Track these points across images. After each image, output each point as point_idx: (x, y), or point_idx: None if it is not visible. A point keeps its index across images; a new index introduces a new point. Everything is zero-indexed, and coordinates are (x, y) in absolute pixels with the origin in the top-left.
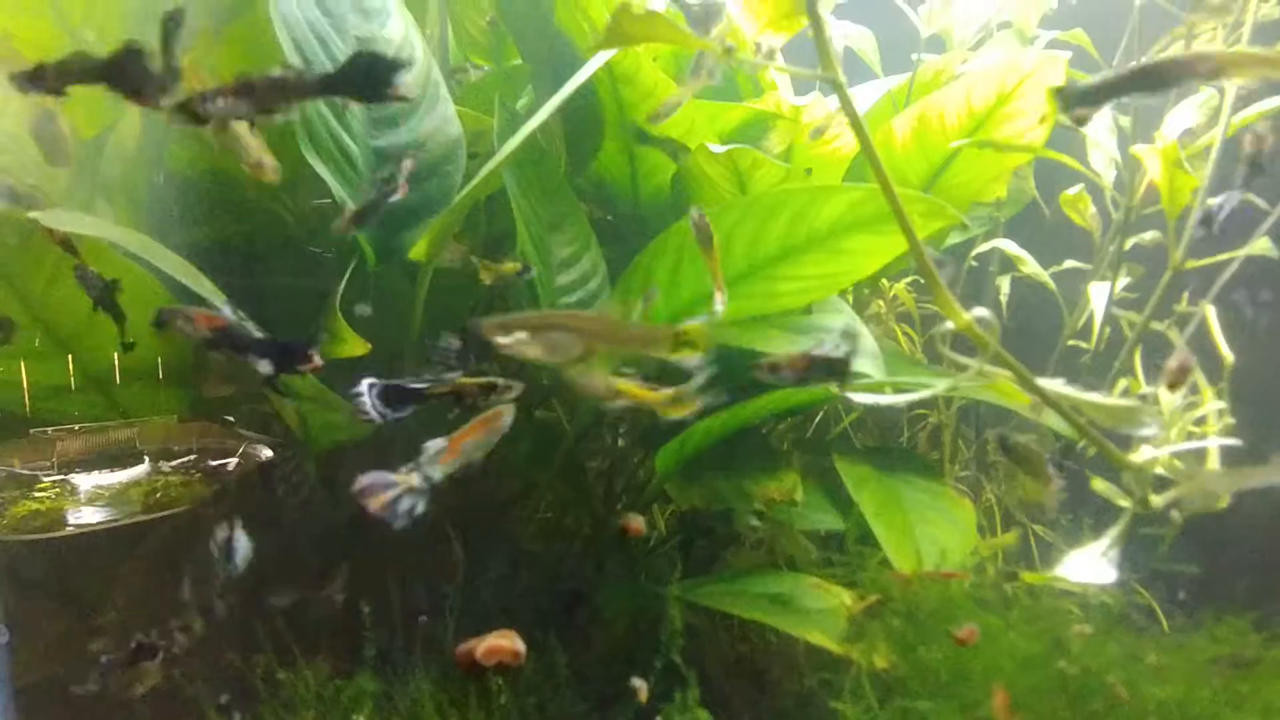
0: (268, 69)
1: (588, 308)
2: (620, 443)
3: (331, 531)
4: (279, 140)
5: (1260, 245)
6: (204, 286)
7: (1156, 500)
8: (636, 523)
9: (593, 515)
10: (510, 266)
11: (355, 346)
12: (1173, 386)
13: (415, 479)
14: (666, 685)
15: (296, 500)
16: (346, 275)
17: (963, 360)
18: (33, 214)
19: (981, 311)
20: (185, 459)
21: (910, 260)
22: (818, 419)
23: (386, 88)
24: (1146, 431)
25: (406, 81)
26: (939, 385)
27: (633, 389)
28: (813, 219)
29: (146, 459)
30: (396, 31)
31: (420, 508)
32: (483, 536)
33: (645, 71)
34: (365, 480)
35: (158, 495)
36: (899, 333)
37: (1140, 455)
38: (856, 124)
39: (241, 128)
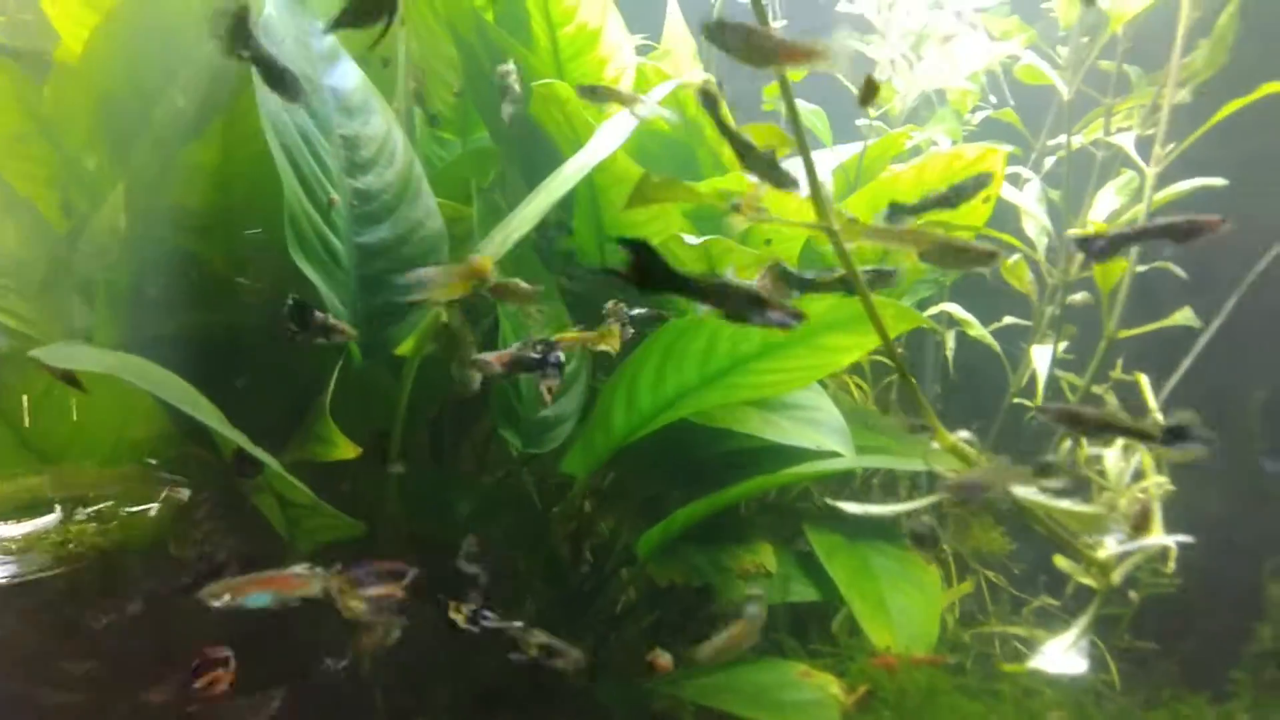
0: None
1: (569, 390)
2: (588, 509)
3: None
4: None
5: (1183, 316)
6: (202, 409)
7: (1116, 578)
8: (665, 659)
9: (566, 593)
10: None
11: (345, 450)
12: (1137, 528)
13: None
14: None
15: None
16: (335, 375)
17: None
18: (33, 352)
19: (965, 434)
20: (101, 505)
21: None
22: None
23: None
24: (1110, 539)
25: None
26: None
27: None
28: None
29: (58, 507)
30: (378, 129)
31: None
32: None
33: (619, 161)
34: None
35: (70, 545)
36: (850, 384)
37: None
38: (841, 251)
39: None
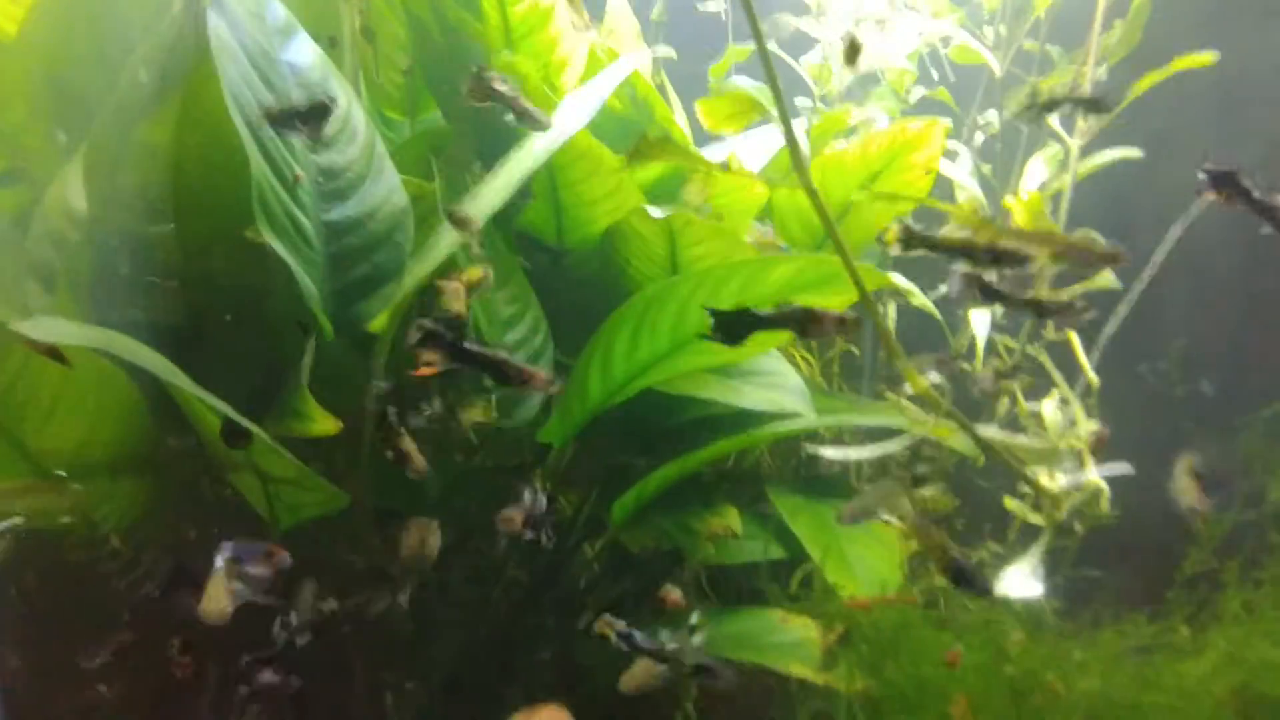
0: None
1: (535, 364)
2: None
3: None
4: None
5: (1104, 280)
6: (184, 382)
7: (1061, 515)
8: (675, 594)
9: (535, 562)
10: None
11: (324, 424)
12: (1095, 452)
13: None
14: None
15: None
16: (308, 350)
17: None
18: (16, 325)
19: (935, 377)
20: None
21: None
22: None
23: None
24: (1064, 474)
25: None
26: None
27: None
28: (761, 283)
29: None
30: (339, 105)
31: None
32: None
33: (578, 136)
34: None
35: None
36: (798, 357)
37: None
38: (821, 211)
39: None
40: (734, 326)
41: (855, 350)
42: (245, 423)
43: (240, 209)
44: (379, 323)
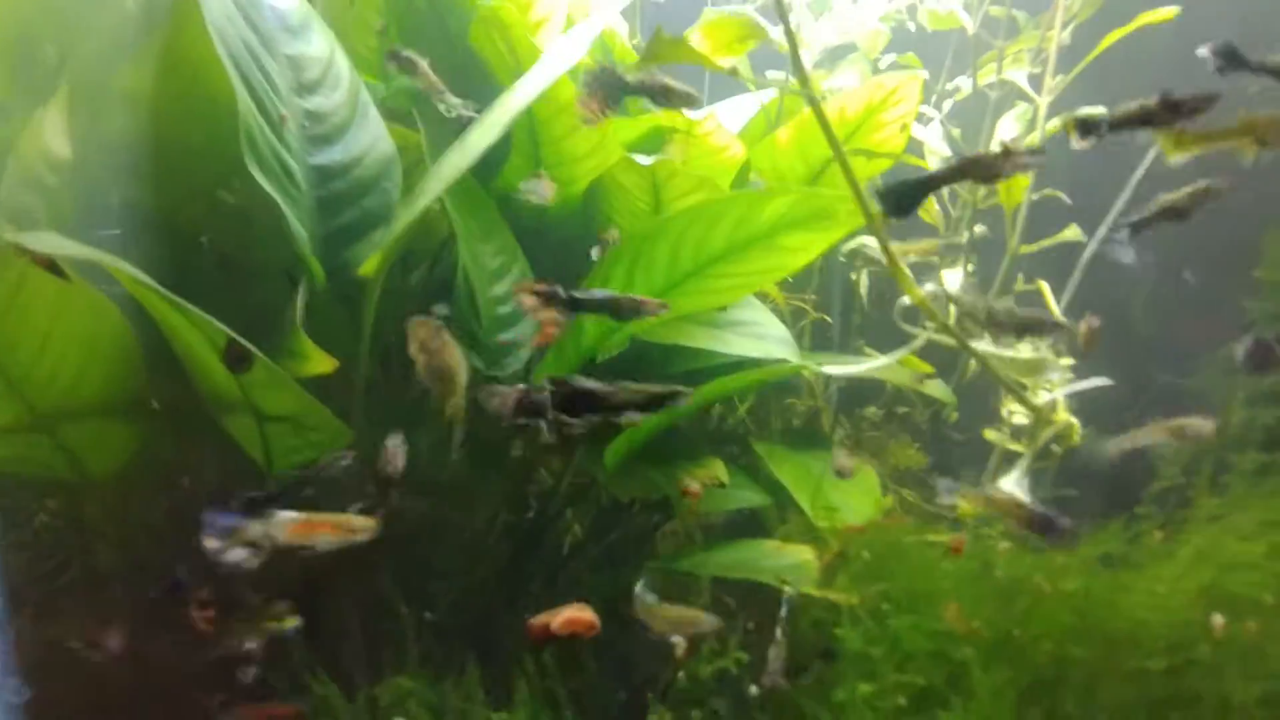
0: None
1: (519, 318)
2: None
3: None
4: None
5: (1070, 232)
6: (181, 303)
7: (1046, 430)
8: (695, 486)
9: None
10: None
11: (321, 363)
12: (1088, 345)
13: (256, 533)
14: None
15: None
16: (300, 292)
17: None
18: (14, 236)
19: (933, 287)
20: None
21: None
22: (716, 414)
23: None
24: (1053, 375)
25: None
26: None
27: None
28: (755, 220)
29: None
30: (321, 50)
31: (250, 564)
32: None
33: (561, 89)
34: (210, 516)
35: None
36: None
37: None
38: (825, 125)
39: None
40: (903, 197)
41: (827, 319)
42: (247, 345)
43: (224, 159)
44: (369, 267)
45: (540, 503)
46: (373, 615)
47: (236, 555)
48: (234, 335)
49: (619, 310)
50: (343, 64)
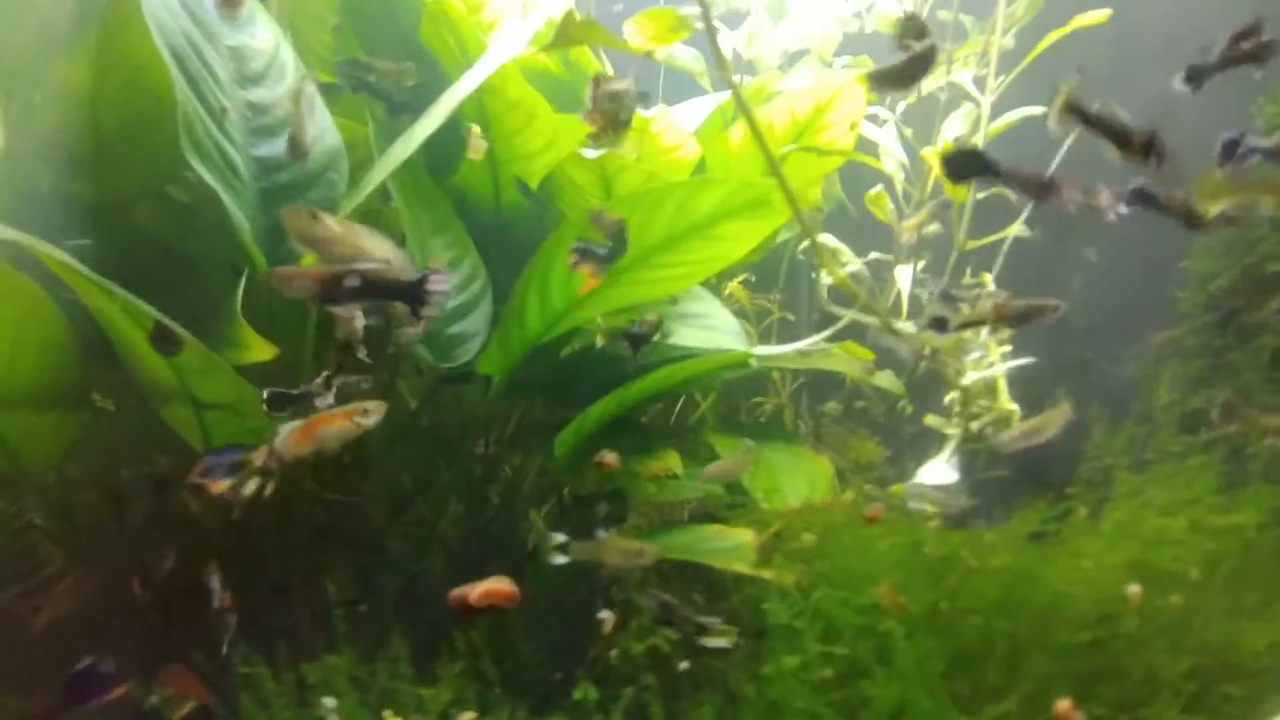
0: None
1: (472, 310)
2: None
3: None
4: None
5: (1015, 228)
6: (109, 285)
7: (974, 424)
8: (610, 457)
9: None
10: None
11: (260, 351)
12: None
13: (263, 458)
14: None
15: None
16: (242, 281)
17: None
18: None
19: (854, 267)
20: None
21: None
22: (678, 410)
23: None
24: (974, 354)
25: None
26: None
27: None
28: (694, 209)
29: None
30: (266, 42)
31: (267, 489)
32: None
33: (512, 85)
34: (208, 459)
35: None
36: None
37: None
38: (754, 125)
39: None
40: (962, 166)
41: (791, 316)
42: (175, 327)
43: (167, 151)
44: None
45: (502, 498)
46: (312, 601)
47: (251, 487)
48: (160, 316)
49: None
50: (288, 56)
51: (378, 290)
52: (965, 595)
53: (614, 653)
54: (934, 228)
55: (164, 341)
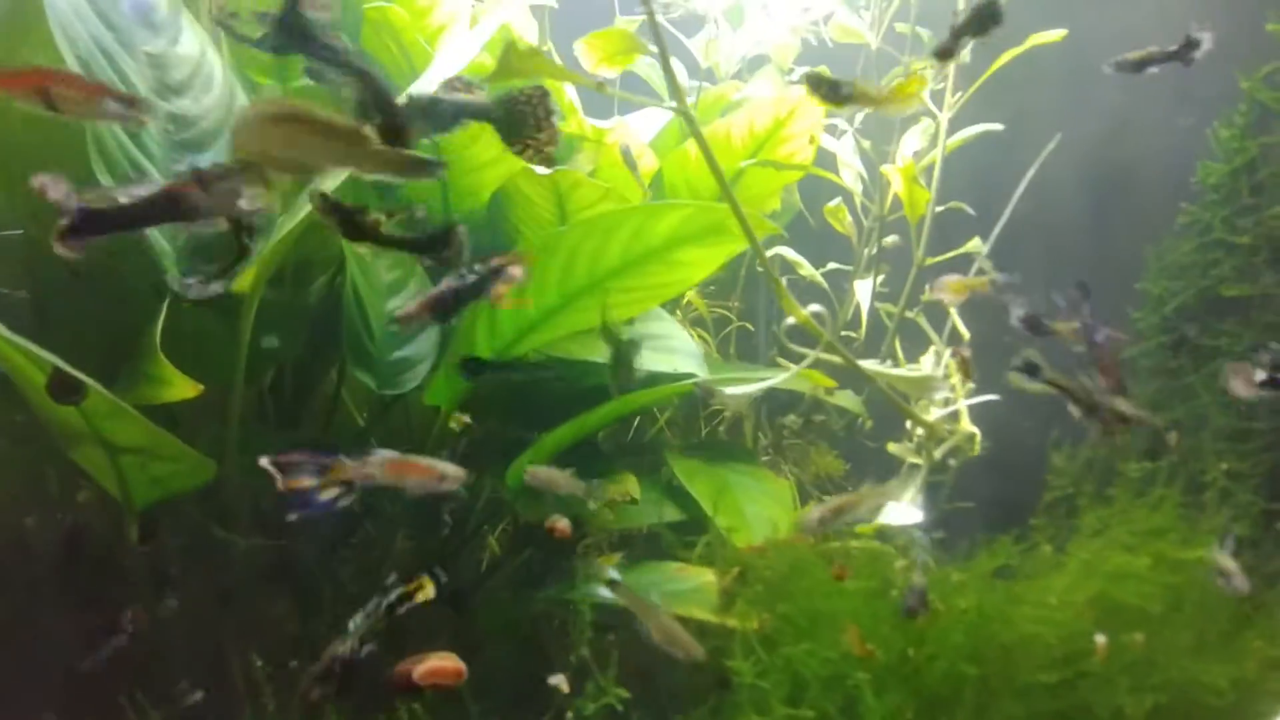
0: None
1: (421, 330)
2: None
3: None
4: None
5: (972, 245)
6: (10, 336)
7: (937, 453)
8: (562, 523)
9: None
10: None
11: (183, 388)
12: (963, 372)
13: (350, 472)
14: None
15: None
16: (163, 313)
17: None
18: None
19: (816, 307)
20: None
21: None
22: (635, 424)
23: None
24: (939, 394)
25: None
26: (769, 381)
27: None
28: (649, 234)
29: None
30: (191, 49)
31: (342, 502)
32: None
33: None
34: (293, 456)
35: None
36: (695, 335)
37: (929, 415)
38: (709, 156)
39: None
40: None
41: (749, 326)
42: (75, 373)
43: (74, 169)
44: (243, 282)
45: (455, 519)
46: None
47: (329, 494)
48: (60, 364)
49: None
50: (215, 64)
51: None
52: (933, 639)
53: (569, 715)
54: (892, 239)
55: (63, 391)
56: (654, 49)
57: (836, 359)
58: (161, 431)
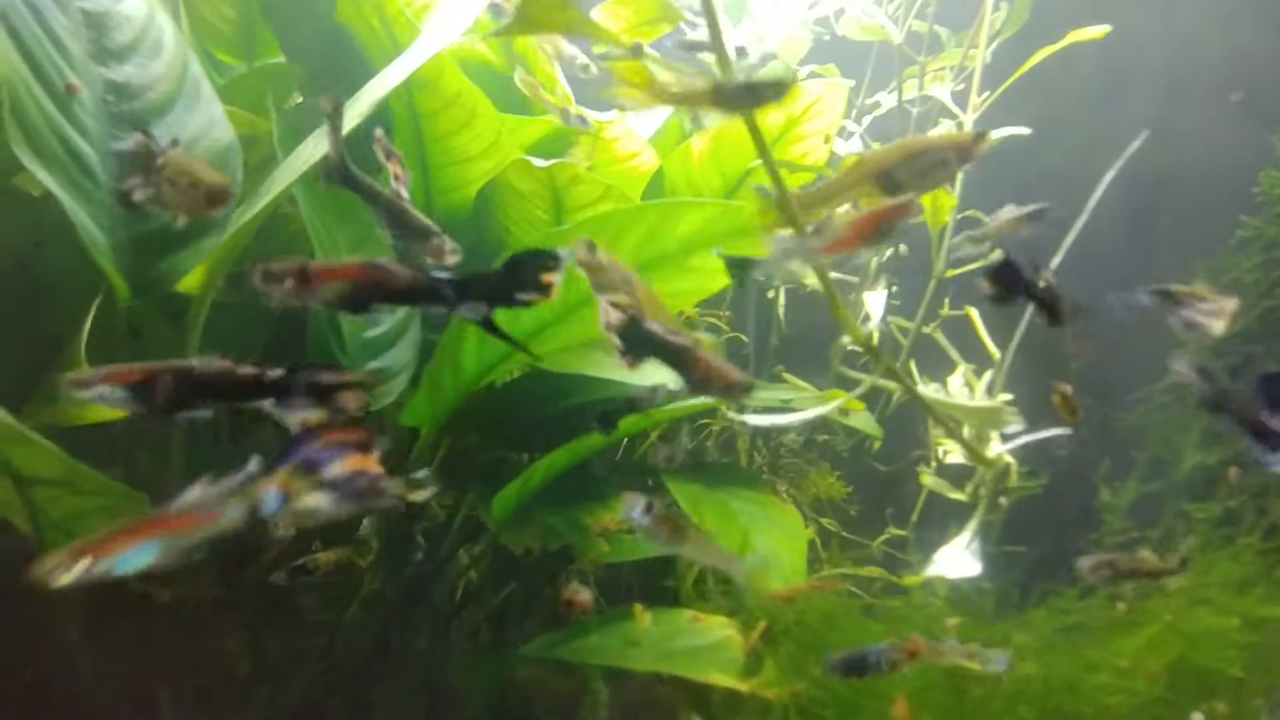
0: None
1: (398, 339)
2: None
3: None
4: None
5: (997, 255)
6: None
7: (991, 482)
8: (584, 595)
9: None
10: None
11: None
12: (1072, 413)
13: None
14: None
15: None
16: (91, 316)
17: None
18: None
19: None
20: None
21: None
22: (624, 442)
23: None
24: (1010, 429)
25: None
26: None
27: None
28: (665, 237)
29: None
30: (136, 9)
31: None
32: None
33: (448, 78)
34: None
35: None
36: None
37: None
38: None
39: None
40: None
41: (743, 337)
42: None
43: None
44: (192, 281)
45: (429, 542)
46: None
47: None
48: None
49: None
50: (166, 30)
51: None
52: (994, 712)
53: None
54: (902, 250)
55: None
56: (694, 19)
57: (892, 384)
58: (77, 465)
